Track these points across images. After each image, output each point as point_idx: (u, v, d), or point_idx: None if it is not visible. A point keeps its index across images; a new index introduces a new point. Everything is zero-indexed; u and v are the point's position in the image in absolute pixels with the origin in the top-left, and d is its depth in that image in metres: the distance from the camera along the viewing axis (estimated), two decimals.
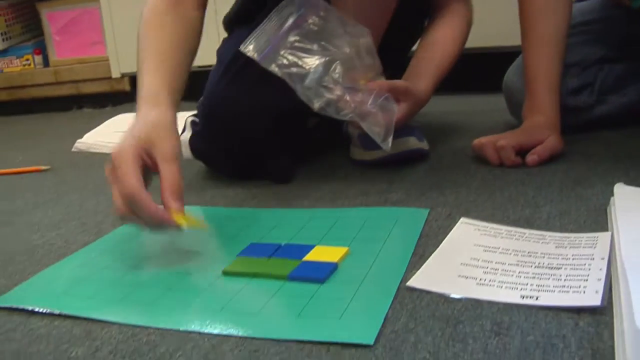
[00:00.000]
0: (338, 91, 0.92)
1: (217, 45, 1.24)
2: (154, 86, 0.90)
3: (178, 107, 0.91)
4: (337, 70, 0.93)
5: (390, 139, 0.94)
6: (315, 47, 0.93)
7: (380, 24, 1.07)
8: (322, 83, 0.92)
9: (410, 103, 1.04)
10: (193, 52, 1.01)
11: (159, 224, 0.75)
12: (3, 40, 2.74)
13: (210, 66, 1.16)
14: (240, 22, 1.20)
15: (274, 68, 0.91)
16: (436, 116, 1.55)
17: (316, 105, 0.91)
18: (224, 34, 1.29)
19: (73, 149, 1.65)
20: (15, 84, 2.74)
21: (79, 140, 1.67)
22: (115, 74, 2.51)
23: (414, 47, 1.24)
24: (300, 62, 0.92)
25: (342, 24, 0.96)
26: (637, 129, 1.20)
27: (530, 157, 1.02)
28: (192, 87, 1.12)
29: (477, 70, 1.88)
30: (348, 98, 0.92)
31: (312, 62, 0.92)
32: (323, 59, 0.92)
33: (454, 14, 1.21)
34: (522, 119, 1.13)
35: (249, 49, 0.93)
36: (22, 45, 2.79)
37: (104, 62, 2.53)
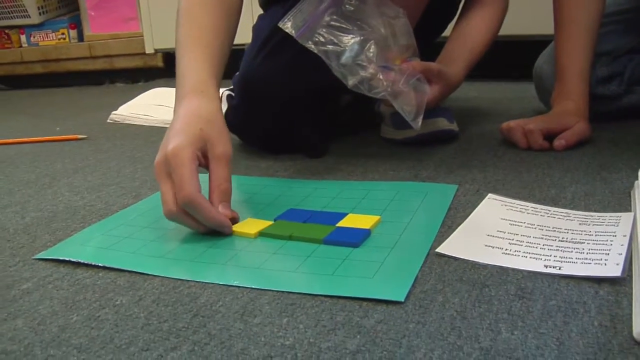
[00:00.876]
0: (372, 69, 0.94)
1: (251, 24, 1.27)
2: (200, 74, 0.87)
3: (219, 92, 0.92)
4: (372, 49, 0.95)
5: (420, 119, 0.96)
6: (351, 26, 0.95)
7: (418, 6, 1.10)
8: (357, 61, 0.94)
9: (442, 85, 1.07)
10: (234, 32, 1.00)
11: (216, 228, 0.76)
12: (40, 14, 2.79)
13: (242, 45, 1.18)
14: (274, 1, 1.23)
15: (310, 45, 0.93)
16: (467, 101, 1.58)
17: (350, 82, 0.94)
18: (257, 12, 1.31)
19: (108, 120, 1.70)
20: (50, 58, 2.79)
21: (114, 112, 1.71)
22: (149, 49, 2.55)
23: (445, 33, 1.27)
24: (336, 40, 0.94)
25: (378, 4, 0.98)
26: None
27: (558, 142, 1.05)
28: (228, 64, 1.15)
29: (507, 57, 1.89)
30: (381, 77, 0.95)
31: (348, 40, 0.94)
32: (358, 38, 0.94)
33: (486, 3, 1.23)
34: (551, 104, 1.15)
35: (287, 25, 0.95)
36: (58, 20, 2.85)
37: (138, 38, 2.57)
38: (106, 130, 1.58)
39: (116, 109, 1.73)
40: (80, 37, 2.82)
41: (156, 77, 2.59)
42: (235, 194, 0.93)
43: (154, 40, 2.53)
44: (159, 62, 2.57)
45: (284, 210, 0.82)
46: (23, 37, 2.91)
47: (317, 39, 0.93)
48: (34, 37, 2.88)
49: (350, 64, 0.93)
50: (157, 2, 2.47)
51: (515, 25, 1.78)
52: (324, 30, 0.94)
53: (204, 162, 0.78)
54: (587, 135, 1.07)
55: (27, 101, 2.47)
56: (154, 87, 1.97)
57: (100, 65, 2.70)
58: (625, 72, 1.24)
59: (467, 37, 1.19)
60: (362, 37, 0.94)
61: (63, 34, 2.83)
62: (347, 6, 0.95)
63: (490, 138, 1.17)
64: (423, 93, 0.99)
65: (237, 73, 1.14)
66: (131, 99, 1.82)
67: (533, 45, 1.89)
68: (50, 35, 2.85)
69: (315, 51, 0.93)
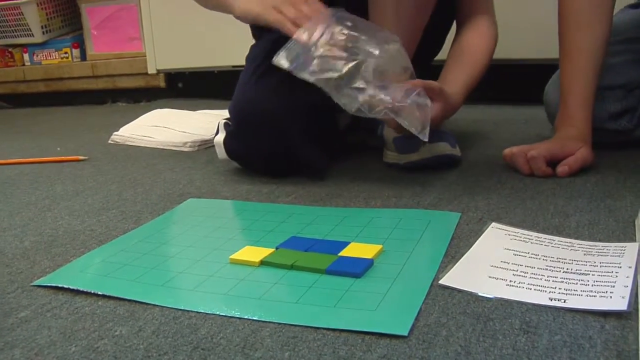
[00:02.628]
0: (370, 90, 0.94)
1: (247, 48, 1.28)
2: None
3: None
4: (368, 69, 0.95)
5: (427, 131, 0.95)
6: (345, 54, 0.95)
7: (418, 27, 1.10)
8: (354, 85, 0.94)
9: (443, 104, 1.06)
10: None
11: None
12: (43, 33, 2.81)
13: (239, 66, 1.19)
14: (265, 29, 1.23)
15: (307, 76, 0.94)
16: (469, 124, 1.58)
17: (352, 109, 0.94)
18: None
19: (109, 141, 1.70)
20: (53, 76, 2.80)
21: (115, 133, 1.71)
22: (151, 70, 2.55)
23: (442, 56, 1.27)
24: (331, 68, 0.94)
25: (371, 31, 0.98)
26: None
27: (561, 168, 1.04)
28: (226, 86, 1.16)
29: (511, 81, 1.90)
30: (381, 95, 0.95)
31: (343, 67, 0.94)
32: (353, 62, 0.94)
33: (480, 28, 1.24)
34: (555, 130, 1.14)
35: (281, 62, 0.96)
36: (61, 39, 2.86)
37: (141, 58, 2.58)
38: (107, 152, 1.57)
39: (117, 130, 1.73)
40: (83, 56, 2.83)
41: (158, 97, 2.60)
42: (237, 220, 0.94)
43: (157, 61, 2.54)
44: (161, 83, 2.57)
45: (286, 238, 0.82)
46: (26, 56, 2.92)
47: (313, 69, 0.93)
48: (37, 55, 2.89)
49: (348, 90, 0.93)
50: (160, 22, 2.48)
51: (519, 49, 1.79)
52: (319, 59, 0.94)
53: None
54: (590, 161, 1.07)
55: (29, 120, 2.47)
56: (155, 107, 1.97)
57: (103, 84, 2.71)
58: (638, 107, 1.21)
59: (465, 59, 1.20)
60: (357, 61, 0.94)
61: (66, 53, 2.84)
62: (341, 35, 0.96)
63: (493, 163, 1.16)
64: (425, 106, 0.98)
65: (232, 99, 1.14)
66: (133, 118, 1.82)
67: (536, 69, 1.90)
68: (53, 54, 2.86)
69: (313, 81, 0.93)
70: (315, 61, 0.94)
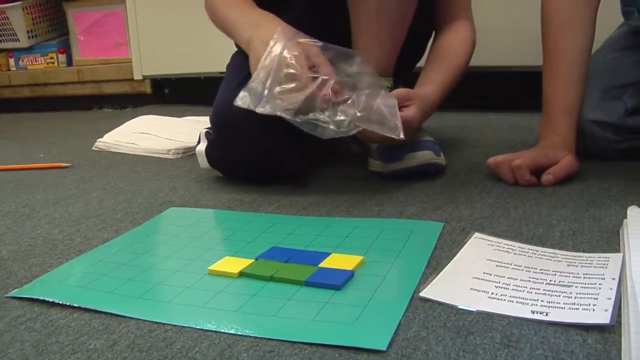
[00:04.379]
0: (330, 111, 0.94)
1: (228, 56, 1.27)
2: (255, 20, 1.05)
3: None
4: (327, 89, 0.94)
5: (400, 128, 0.95)
6: (306, 74, 0.95)
7: (400, 33, 1.10)
8: (317, 108, 0.93)
9: (417, 103, 1.06)
10: None
11: None
12: (29, 38, 2.79)
13: (221, 72, 1.18)
14: None
15: (270, 111, 0.94)
16: (455, 132, 1.57)
17: (320, 133, 0.94)
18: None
19: (93, 148, 1.68)
20: (38, 82, 2.78)
21: (99, 140, 1.69)
22: (137, 76, 2.54)
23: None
24: (291, 99, 0.94)
25: (331, 52, 0.98)
26: None
27: (546, 177, 1.03)
28: (212, 92, 1.14)
29: (496, 88, 1.90)
30: (346, 110, 0.94)
31: (301, 95, 0.94)
32: (312, 87, 0.94)
33: (458, 31, 1.25)
34: (538, 138, 1.14)
35: (244, 103, 0.96)
36: (47, 44, 2.84)
37: (127, 64, 2.56)
38: (91, 158, 1.56)
39: (102, 136, 1.72)
40: (69, 62, 2.81)
41: (144, 103, 2.58)
42: (218, 230, 0.93)
43: (143, 67, 2.52)
44: (147, 89, 2.55)
45: (267, 249, 0.80)
46: (12, 61, 2.89)
47: (274, 103, 0.93)
48: (23, 60, 2.87)
49: (310, 117, 0.93)
50: (146, 28, 2.47)
51: (504, 56, 1.79)
52: (278, 91, 0.94)
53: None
54: (575, 169, 1.06)
55: (13, 125, 2.45)
56: (142, 113, 1.96)
57: (89, 90, 2.69)
58: None
59: (441, 60, 1.21)
60: (317, 83, 0.93)
61: (52, 58, 2.82)
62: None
63: (478, 171, 1.16)
64: (392, 105, 0.97)
65: (213, 107, 1.13)
66: (118, 125, 1.80)
67: (520, 76, 1.90)
68: (39, 59, 2.84)
69: (280, 115, 0.93)
70: (275, 92, 0.93)
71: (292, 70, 0.94)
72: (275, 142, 1.08)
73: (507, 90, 1.93)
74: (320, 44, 0.98)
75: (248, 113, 1.02)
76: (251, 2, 1.12)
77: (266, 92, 0.94)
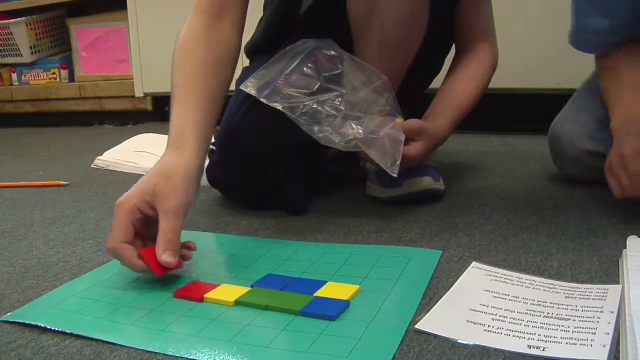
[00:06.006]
0: (340, 119, 0.94)
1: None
2: (181, 127, 0.90)
3: (208, 145, 0.93)
4: (339, 100, 0.94)
5: (397, 166, 0.94)
6: (319, 83, 0.95)
7: (402, 66, 1.09)
8: (324, 113, 0.93)
9: (426, 141, 1.06)
10: (228, 81, 1.01)
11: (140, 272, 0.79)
12: (32, 53, 2.80)
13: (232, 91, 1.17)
14: (261, 52, 1.22)
15: (274, 103, 0.93)
16: (455, 155, 1.57)
17: (319, 135, 0.93)
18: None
19: (93, 166, 1.68)
20: (40, 97, 2.79)
21: (99, 158, 1.69)
22: (139, 93, 2.54)
23: (436, 85, 1.26)
24: (302, 96, 0.94)
25: (355, 68, 0.98)
26: None
27: None
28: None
29: (498, 111, 1.89)
30: (353, 125, 0.94)
31: (314, 96, 0.94)
32: (328, 94, 0.94)
33: (479, 56, 1.23)
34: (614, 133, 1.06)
35: (249, 86, 0.96)
36: (50, 60, 2.85)
37: (129, 81, 2.57)
38: (89, 177, 1.55)
39: (102, 154, 1.71)
40: (72, 78, 2.82)
41: (145, 120, 2.58)
42: (214, 254, 0.92)
43: (144, 84, 2.52)
44: (148, 106, 2.55)
45: (263, 275, 0.80)
46: (14, 76, 2.90)
47: (281, 96, 0.92)
48: (25, 76, 2.87)
49: (317, 117, 0.92)
50: (148, 45, 2.47)
51: (507, 78, 1.79)
52: (289, 88, 0.93)
53: (151, 213, 0.80)
54: None
55: (14, 140, 2.45)
56: (142, 131, 1.96)
57: (90, 106, 2.69)
58: None
59: (454, 93, 1.19)
60: (333, 93, 0.93)
61: (54, 73, 2.83)
62: (319, 64, 0.95)
63: (477, 196, 1.15)
64: (398, 141, 0.97)
65: (219, 127, 1.12)
66: (119, 142, 1.80)
67: (523, 99, 1.90)
68: (42, 74, 2.85)
69: (280, 108, 0.93)
70: (285, 88, 0.93)
71: (310, 73, 0.94)
72: (280, 176, 1.08)
73: (509, 112, 1.93)
74: (345, 55, 0.99)
75: (255, 142, 1.02)
76: (205, 83, 0.96)
77: (278, 82, 0.93)
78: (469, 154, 1.59)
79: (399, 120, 1.03)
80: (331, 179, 1.27)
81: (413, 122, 1.05)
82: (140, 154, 1.67)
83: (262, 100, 0.93)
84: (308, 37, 1.06)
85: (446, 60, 1.31)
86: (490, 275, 0.78)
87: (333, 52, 0.99)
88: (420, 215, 1.05)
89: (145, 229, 0.81)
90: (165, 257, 0.77)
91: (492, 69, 1.24)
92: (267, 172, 1.06)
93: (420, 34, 1.09)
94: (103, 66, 2.74)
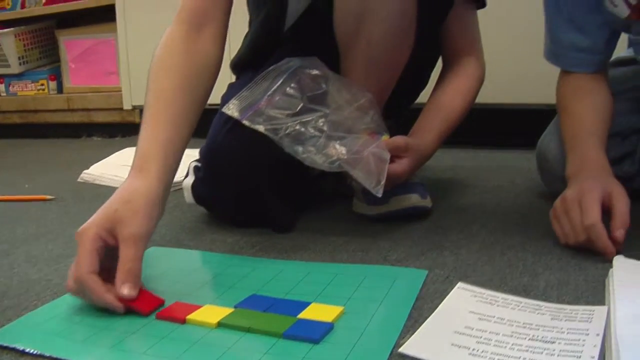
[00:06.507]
0: (323, 139, 0.93)
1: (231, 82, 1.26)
2: (146, 149, 0.88)
3: (175, 166, 0.90)
4: (324, 120, 0.94)
5: (382, 186, 0.93)
6: (302, 103, 0.95)
7: (389, 83, 1.09)
8: (307, 134, 0.93)
9: (411, 158, 1.05)
10: (205, 94, 1.00)
11: (106, 307, 0.75)
12: (20, 64, 2.79)
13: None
14: (246, 67, 1.22)
15: (256, 125, 0.93)
16: (442, 171, 1.56)
17: (302, 156, 0.92)
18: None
19: (79, 180, 1.67)
20: (28, 108, 2.78)
21: (85, 171, 1.68)
22: (127, 105, 2.53)
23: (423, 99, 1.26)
24: (284, 117, 0.93)
25: (340, 85, 0.97)
26: None
27: (619, 233, 0.90)
28: (202, 123, 1.12)
29: (488, 125, 1.89)
30: (336, 145, 0.93)
31: (297, 117, 0.93)
32: (311, 114, 0.94)
33: (466, 70, 1.23)
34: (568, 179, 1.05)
35: (230, 108, 0.95)
36: (38, 70, 2.84)
37: (117, 93, 2.56)
38: (76, 191, 1.54)
39: (89, 167, 1.70)
40: (60, 89, 2.81)
41: (133, 133, 2.56)
42: (198, 273, 0.91)
43: (132, 96, 2.52)
44: (136, 118, 2.54)
45: (247, 295, 0.79)
46: (2, 86, 2.89)
47: (264, 118, 0.92)
48: (13, 86, 2.86)
49: (300, 138, 0.92)
50: (137, 57, 2.46)
51: (495, 92, 1.79)
52: (272, 109, 0.93)
53: (114, 242, 0.77)
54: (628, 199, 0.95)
55: (0, 152, 2.43)
56: (131, 143, 1.92)
57: (78, 118, 2.68)
58: (637, 152, 1.19)
59: (440, 107, 1.19)
60: (317, 113, 0.93)
61: (42, 84, 2.82)
62: (303, 83, 0.95)
63: (464, 213, 1.15)
64: (383, 160, 0.97)
65: (204, 144, 1.11)
66: (107, 154, 1.79)
67: (512, 113, 1.91)
68: (30, 85, 2.84)
69: (263, 131, 0.92)
70: (267, 109, 0.92)
71: (293, 93, 0.94)
72: (265, 193, 1.07)
73: (498, 126, 1.93)
74: (330, 73, 0.99)
75: (240, 159, 1.01)
76: (178, 98, 0.94)
77: (260, 103, 0.93)
78: (457, 170, 1.59)
79: (385, 137, 1.03)
80: (318, 196, 1.26)
81: (398, 139, 1.04)
82: (126, 167, 1.63)
83: (244, 122, 0.93)
84: (294, 52, 1.06)
85: (433, 74, 1.31)
86: (475, 296, 0.77)
87: (316, 71, 0.98)
88: (407, 233, 1.05)
89: (110, 259, 0.78)
90: (124, 289, 0.74)
91: (479, 82, 1.24)
92: (252, 189, 1.06)
93: (407, 50, 1.09)
94: (91, 78, 2.73)
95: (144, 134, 0.90)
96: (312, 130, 0.93)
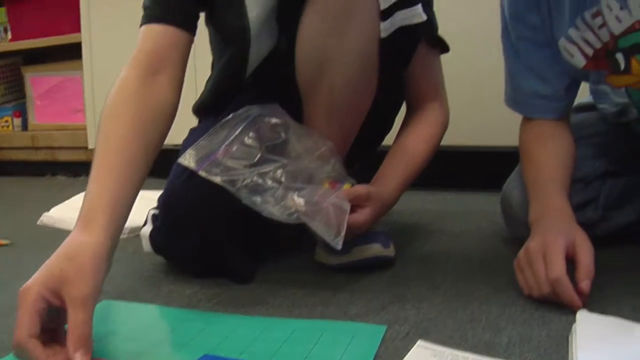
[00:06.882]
0: (281, 191, 0.92)
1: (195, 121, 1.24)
2: (92, 201, 0.84)
3: (123, 219, 0.87)
4: (282, 171, 0.93)
5: (341, 238, 0.91)
6: (260, 153, 0.93)
7: (352, 129, 1.08)
8: (265, 186, 0.91)
9: (373, 207, 1.04)
10: (158, 142, 0.96)
11: None
12: None
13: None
14: (208, 111, 1.20)
15: (213, 176, 0.91)
16: (408, 215, 1.55)
17: (260, 207, 0.90)
18: None
19: (38, 223, 1.63)
20: None
21: (45, 214, 1.64)
22: (92, 144, 2.49)
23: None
24: (242, 168, 0.91)
25: (299, 133, 0.97)
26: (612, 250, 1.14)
27: (584, 284, 0.88)
28: (167, 164, 1.09)
29: (453, 167, 1.89)
30: (295, 197, 0.91)
31: (255, 167, 0.92)
32: (269, 164, 0.92)
33: (429, 116, 1.23)
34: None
35: (187, 158, 0.93)
36: (3, 107, 2.80)
37: (82, 131, 2.52)
38: (33, 235, 1.50)
39: (51, 208, 1.67)
40: (24, 126, 2.77)
41: None
42: (151, 330, 0.88)
43: None
44: None
45: (199, 355, 0.76)
46: None
47: (221, 169, 0.90)
48: None
49: (257, 189, 0.90)
50: (103, 95, 2.40)
51: (462, 135, 1.79)
52: (229, 159, 0.91)
53: (57, 302, 0.74)
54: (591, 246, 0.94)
55: None
56: None
57: (43, 156, 2.64)
58: (600, 198, 1.19)
59: (404, 154, 1.18)
60: (276, 163, 0.91)
61: (7, 121, 2.78)
62: (262, 133, 0.93)
63: (429, 261, 1.13)
64: (343, 211, 0.95)
65: (162, 191, 1.09)
66: (71, 193, 1.76)
67: (477, 155, 1.90)
68: None
69: (219, 182, 0.90)
70: (225, 160, 0.90)
71: (251, 143, 0.92)
72: (223, 244, 1.04)
73: (466, 168, 1.93)
74: (290, 121, 0.98)
75: (198, 210, 0.99)
76: (128, 147, 0.90)
77: (217, 153, 0.91)
78: (423, 214, 1.57)
79: (347, 185, 1.01)
80: (279, 243, 1.23)
81: (360, 188, 1.03)
82: None
83: (200, 173, 0.90)
84: (256, 97, 1.05)
85: (398, 117, 1.30)
86: (435, 356, 0.75)
87: (276, 120, 0.97)
88: (368, 285, 1.03)
89: (54, 318, 0.75)
90: (77, 357, 0.70)
91: (443, 128, 1.24)
92: (210, 239, 1.03)
93: (369, 96, 1.08)
94: (57, 115, 2.69)
95: (91, 184, 0.87)
96: (270, 182, 0.91)
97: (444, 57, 1.27)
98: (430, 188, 1.79)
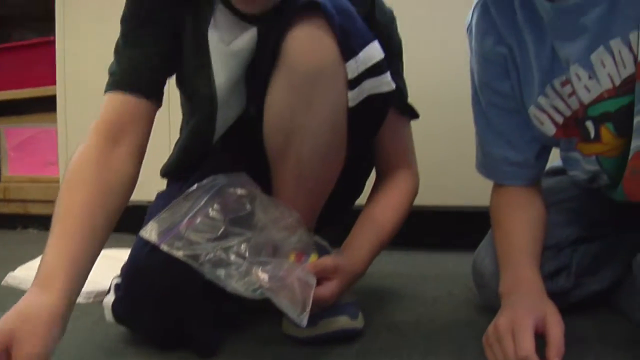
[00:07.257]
0: (244, 266, 0.90)
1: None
2: (51, 265, 0.84)
3: (80, 285, 0.87)
4: (246, 245, 0.91)
5: (306, 314, 0.89)
6: (224, 227, 0.92)
7: (320, 198, 1.08)
8: (229, 260, 0.89)
9: (340, 279, 1.02)
10: (116, 211, 0.96)
11: None
12: None
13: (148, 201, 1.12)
14: (176, 175, 1.19)
15: (175, 250, 0.89)
16: (380, 278, 1.53)
17: (223, 283, 0.89)
18: None
19: (2, 283, 1.59)
20: None
21: (10, 274, 1.61)
22: None
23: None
24: (205, 242, 0.90)
25: (266, 203, 0.96)
26: (585, 316, 1.14)
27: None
28: (139, 221, 1.07)
29: (426, 227, 1.89)
30: (259, 272, 0.90)
31: (219, 241, 0.90)
32: (233, 238, 0.91)
33: (398, 184, 1.22)
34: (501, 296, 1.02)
35: (148, 231, 0.91)
36: None
37: (55, 184, 2.49)
38: None
39: (18, 266, 1.63)
40: None
41: None
42: None
43: None
44: None
45: None
46: None
47: (183, 244, 0.88)
48: None
49: (220, 264, 0.88)
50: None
51: (435, 195, 1.79)
52: (192, 232, 0.90)
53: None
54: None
55: None
56: None
57: (14, 209, 2.60)
58: (572, 265, 1.17)
59: (373, 223, 1.17)
60: (240, 237, 0.90)
61: None
62: (227, 205, 0.92)
63: (397, 333, 1.11)
64: (309, 286, 0.93)
65: (126, 261, 1.06)
66: (41, 249, 1.69)
67: (450, 215, 1.90)
68: None
69: (181, 256, 0.88)
70: (187, 234, 0.89)
71: (215, 215, 0.90)
72: (186, 317, 1.02)
73: (438, 228, 1.92)
74: (256, 192, 0.96)
75: (160, 283, 0.97)
76: (88, 215, 0.90)
77: (180, 226, 0.89)
78: (395, 277, 1.56)
79: (313, 257, 1.00)
80: (246, 313, 1.20)
81: (326, 260, 1.01)
82: None
83: (162, 247, 0.89)
84: (224, 162, 1.04)
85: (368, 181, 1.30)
86: None
87: (242, 190, 0.96)
88: (336, 358, 1.00)
89: None
90: None
91: (412, 196, 1.23)
92: (172, 312, 1.00)
93: (337, 165, 1.07)
94: (31, 167, 2.67)
95: (49, 249, 0.87)
96: (233, 257, 0.89)
97: (416, 122, 1.27)
98: (401, 247, 1.79)
